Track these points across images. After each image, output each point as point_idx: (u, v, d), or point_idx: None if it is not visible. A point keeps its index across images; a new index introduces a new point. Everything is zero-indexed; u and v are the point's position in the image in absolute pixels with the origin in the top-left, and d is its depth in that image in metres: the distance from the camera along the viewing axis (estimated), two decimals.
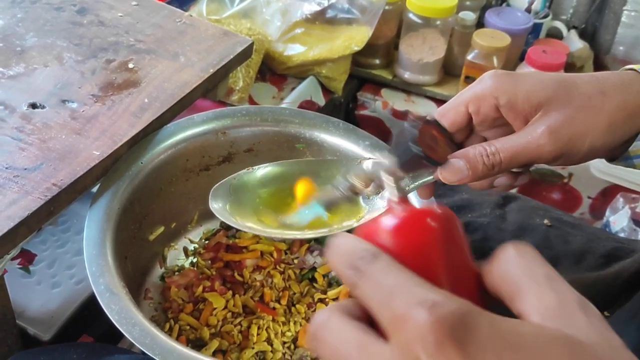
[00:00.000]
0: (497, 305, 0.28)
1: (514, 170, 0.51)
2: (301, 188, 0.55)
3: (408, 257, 0.29)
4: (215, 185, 0.56)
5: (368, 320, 0.28)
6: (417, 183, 0.51)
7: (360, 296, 0.27)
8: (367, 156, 0.66)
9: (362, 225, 0.31)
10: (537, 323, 0.26)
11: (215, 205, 0.54)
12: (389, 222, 0.30)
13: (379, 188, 0.53)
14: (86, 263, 0.53)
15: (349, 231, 0.51)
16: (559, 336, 0.25)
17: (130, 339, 0.48)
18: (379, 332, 0.27)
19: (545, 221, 0.68)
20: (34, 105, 0.64)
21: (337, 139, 0.68)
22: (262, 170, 0.58)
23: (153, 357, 0.47)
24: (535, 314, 0.26)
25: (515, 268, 0.28)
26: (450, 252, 0.30)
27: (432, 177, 0.50)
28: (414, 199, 0.58)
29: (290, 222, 0.56)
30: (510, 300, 0.27)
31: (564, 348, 0.24)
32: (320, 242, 0.72)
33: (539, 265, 0.28)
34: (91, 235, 0.55)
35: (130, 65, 0.71)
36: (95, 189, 0.60)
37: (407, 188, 0.51)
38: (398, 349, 0.25)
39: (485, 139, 0.51)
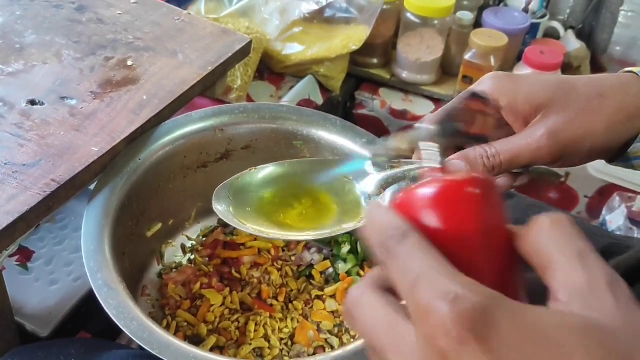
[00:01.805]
0: (531, 271, 0.29)
1: (514, 171, 0.51)
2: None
3: (445, 228, 0.29)
4: (218, 187, 0.56)
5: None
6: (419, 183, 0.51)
7: (389, 276, 0.28)
8: (366, 155, 0.66)
9: (400, 194, 0.31)
10: (561, 311, 0.26)
11: (219, 207, 0.55)
12: (428, 190, 0.30)
13: (381, 189, 0.53)
14: (84, 258, 0.53)
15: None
16: (581, 327, 0.25)
17: (128, 334, 0.48)
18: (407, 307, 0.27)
19: None
20: (33, 102, 0.64)
21: (334, 136, 0.68)
22: (264, 171, 0.58)
23: (151, 351, 0.48)
24: (562, 292, 0.26)
25: (548, 240, 0.28)
26: (489, 218, 0.30)
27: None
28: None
29: (296, 219, 0.56)
30: (541, 272, 0.28)
31: (586, 339, 0.24)
32: (319, 239, 0.72)
33: (572, 239, 0.27)
34: (89, 231, 0.55)
35: (129, 63, 0.71)
36: (93, 186, 0.60)
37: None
38: (422, 339, 0.26)
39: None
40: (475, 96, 0.40)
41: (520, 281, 0.31)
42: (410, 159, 0.49)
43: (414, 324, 0.27)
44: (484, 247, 0.29)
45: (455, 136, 0.41)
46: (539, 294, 0.28)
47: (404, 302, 0.28)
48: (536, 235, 0.28)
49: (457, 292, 0.25)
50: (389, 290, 0.29)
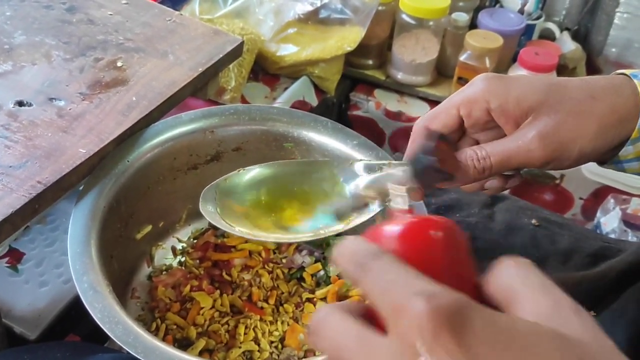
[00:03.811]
0: None
1: (505, 173, 0.51)
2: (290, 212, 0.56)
3: (411, 264, 0.29)
4: (205, 188, 0.56)
5: (368, 320, 0.29)
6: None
7: (362, 290, 0.28)
8: (357, 156, 0.66)
9: (368, 231, 0.32)
10: (535, 322, 0.26)
11: (206, 209, 0.54)
12: (394, 228, 0.31)
13: (370, 191, 0.53)
14: (70, 261, 0.52)
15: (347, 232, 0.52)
16: (553, 333, 0.25)
17: (113, 337, 0.48)
18: (378, 330, 0.27)
19: (533, 221, 0.68)
20: (20, 103, 0.64)
21: (325, 138, 0.68)
22: (252, 172, 0.57)
23: (136, 355, 0.47)
24: (530, 318, 0.26)
25: (512, 276, 0.28)
26: (452, 262, 0.30)
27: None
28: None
29: (285, 220, 0.56)
30: (506, 307, 0.28)
31: (558, 343, 0.25)
32: (310, 242, 0.72)
33: (534, 274, 0.28)
34: (75, 234, 0.55)
35: (119, 64, 0.71)
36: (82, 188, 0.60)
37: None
38: (396, 339, 0.25)
39: (476, 142, 0.51)
40: (442, 138, 0.41)
41: None
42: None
43: (388, 326, 0.26)
44: (447, 283, 0.29)
45: (427, 172, 0.42)
46: None
47: (370, 326, 0.28)
48: (500, 273, 0.29)
49: (433, 290, 0.25)
50: (356, 314, 0.29)
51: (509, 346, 0.24)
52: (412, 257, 0.30)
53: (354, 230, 0.52)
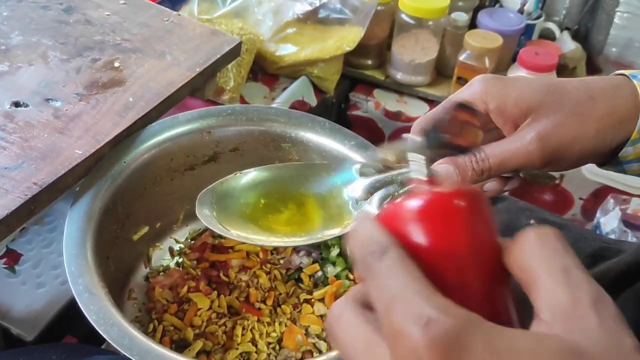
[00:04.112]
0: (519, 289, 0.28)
1: (504, 175, 0.51)
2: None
3: (431, 244, 0.28)
4: (202, 192, 0.56)
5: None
6: (407, 188, 0.50)
7: (368, 294, 0.28)
8: (354, 157, 0.66)
9: (389, 206, 0.31)
10: (539, 334, 0.26)
11: (202, 212, 0.54)
12: (415, 204, 0.29)
13: (369, 194, 0.53)
14: (65, 263, 0.52)
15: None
16: (558, 352, 0.24)
17: (108, 340, 0.48)
18: None
19: (532, 221, 0.67)
20: (17, 104, 0.63)
21: (323, 138, 0.68)
22: (249, 175, 0.57)
23: (131, 358, 0.47)
24: (546, 311, 0.26)
25: (533, 256, 0.27)
26: (477, 232, 0.29)
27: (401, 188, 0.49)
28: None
29: (283, 223, 0.55)
30: (526, 289, 0.27)
31: None
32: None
33: (557, 255, 0.27)
34: (71, 235, 0.55)
35: (116, 64, 0.70)
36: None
37: (396, 193, 0.51)
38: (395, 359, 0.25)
39: None
40: (461, 107, 0.39)
41: (509, 296, 0.30)
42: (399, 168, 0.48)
43: (387, 345, 0.26)
44: (472, 263, 0.29)
45: (441, 147, 0.40)
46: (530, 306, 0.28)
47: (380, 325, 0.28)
48: (521, 250, 0.28)
49: (430, 316, 0.25)
50: (371, 307, 0.28)
51: None
52: (432, 235, 0.29)
53: None
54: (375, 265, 0.27)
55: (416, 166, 0.37)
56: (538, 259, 0.27)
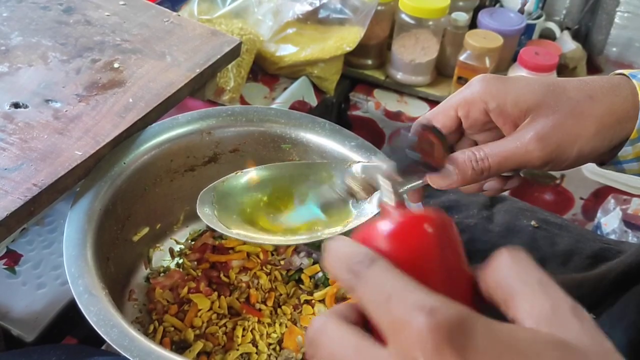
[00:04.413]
0: (491, 310, 0.29)
1: (504, 174, 0.51)
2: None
3: (404, 262, 0.29)
4: (202, 191, 0.56)
5: (364, 325, 0.29)
6: (406, 187, 0.50)
7: (358, 300, 0.28)
8: (355, 158, 0.66)
9: (358, 230, 0.32)
10: (533, 329, 0.26)
11: (203, 211, 0.54)
12: (385, 226, 0.30)
13: (369, 193, 0.53)
14: (65, 264, 0.52)
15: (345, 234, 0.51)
16: (553, 340, 0.25)
17: (109, 341, 0.48)
18: (375, 337, 0.27)
19: (533, 222, 0.67)
20: (16, 105, 0.63)
21: (323, 139, 0.68)
22: (250, 174, 0.57)
23: (131, 359, 0.47)
24: (528, 320, 0.26)
25: (509, 274, 0.28)
26: (446, 257, 0.30)
27: (421, 181, 0.49)
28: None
29: (284, 223, 0.55)
30: (504, 305, 0.28)
31: (558, 352, 0.25)
32: (309, 243, 0.72)
33: (532, 271, 0.28)
34: (71, 236, 0.55)
35: (116, 65, 0.70)
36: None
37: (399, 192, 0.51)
38: (396, 353, 0.25)
39: (475, 143, 0.51)
40: (426, 128, 0.40)
41: None
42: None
43: (387, 340, 0.26)
44: (444, 282, 0.29)
45: (411, 167, 0.41)
46: None
47: (368, 334, 0.28)
48: (497, 269, 0.29)
49: (433, 304, 0.25)
50: (353, 323, 0.28)
51: (511, 358, 0.24)
52: (404, 256, 0.29)
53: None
54: (366, 272, 0.28)
55: (386, 191, 0.38)
56: (514, 275, 0.28)
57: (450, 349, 0.24)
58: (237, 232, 0.55)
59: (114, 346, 0.47)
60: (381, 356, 0.26)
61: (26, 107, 0.63)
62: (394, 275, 0.27)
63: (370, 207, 0.52)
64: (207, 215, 0.55)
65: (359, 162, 0.58)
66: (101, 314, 0.49)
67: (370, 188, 0.53)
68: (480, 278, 0.29)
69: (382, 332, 0.27)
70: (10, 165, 0.56)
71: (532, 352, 0.24)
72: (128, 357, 0.47)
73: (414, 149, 0.39)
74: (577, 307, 0.27)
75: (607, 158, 0.50)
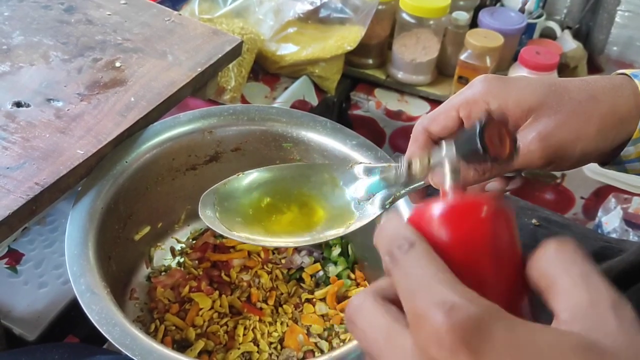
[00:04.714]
0: (538, 298, 0.29)
1: (506, 174, 0.51)
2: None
3: (450, 246, 0.29)
4: (204, 193, 0.56)
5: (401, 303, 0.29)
6: (408, 188, 0.50)
7: (394, 285, 0.28)
8: (356, 157, 0.66)
9: (416, 208, 0.32)
10: (559, 329, 0.26)
11: (205, 214, 0.54)
12: (438, 208, 0.30)
13: (370, 195, 0.53)
14: (67, 263, 0.52)
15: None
16: (577, 344, 0.25)
17: (110, 340, 0.48)
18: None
19: (534, 221, 0.67)
20: (18, 104, 0.63)
21: (324, 138, 0.68)
22: (251, 176, 0.57)
23: (133, 357, 0.47)
24: (565, 312, 0.26)
25: (553, 263, 0.28)
26: (498, 243, 0.30)
27: (423, 182, 0.49)
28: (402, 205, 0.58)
29: (285, 224, 0.55)
30: (545, 295, 0.28)
31: (580, 357, 0.24)
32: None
33: (577, 262, 0.28)
34: (73, 235, 0.55)
35: (117, 64, 0.70)
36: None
37: (397, 194, 0.51)
38: (416, 346, 0.26)
39: None
40: (491, 119, 0.40)
41: (527, 304, 0.31)
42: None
43: (410, 331, 0.26)
44: (492, 269, 0.29)
45: (476, 156, 0.40)
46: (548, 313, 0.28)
47: (401, 314, 0.28)
48: (541, 258, 0.28)
49: (454, 302, 0.25)
50: (391, 301, 0.29)
51: None
52: (451, 240, 0.29)
53: (354, 234, 0.52)
54: (403, 257, 0.28)
55: (446, 174, 0.38)
56: (557, 265, 0.28)
57: (466, 350, 0.24)
58: (239, 234, 0.55)
59: (116, 345, 0.47)
60: (406, 347, 0.26)
61: (28, 106, 0.63)
62: (427, 263, 0.27)
63: (372, 209, 0.52)
64: (209, 218, 0.55)
65: (360, 162, 0.58)
66: (103, 312, 0.49)
67: (367, 191, 0.53)
68: (527, 266, 0.29)
69: (408, 320, 0.27)
70: (12, 164, 0.57)
71: (551, 356, 0.24)
72: (130, 355, 0.47)
73: (482, 138, 0.39)
74: (620, 305, 0.26)
75: (609, 158, 0.50)
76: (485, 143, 0.38)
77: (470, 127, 0.39)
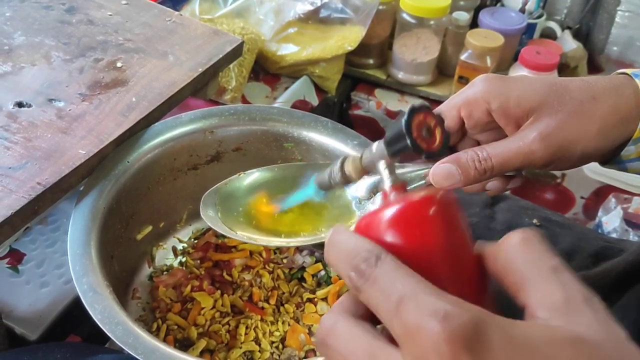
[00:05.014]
0: (499, 289, 0.28)
1: (507, 174, 0.51)
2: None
3: (408, 252, 0.28)
4: (206, 193, 0.56)
5: (372, 318, 0.28)
6: (406, 172, 0.50)
7: (366, 301, 0.27)
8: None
9: (361, 219, 0.31)
10: (546, 325, 0.26)
11: (206, 213, 0.54)
12: (386, 214, 0.29)
13: (372, 194, 0.53)
14: (70, 262, 0.52)
15: None
16: (569, 337, 0.25)
17: (113, 339, 0.48)
18: (385, 333, 0.27)
19: (534, 221, 0.67)
20: (20, 104, 0.63)
21: (325, 138, 0.68)
22: (253, 176, 0.57)
23: (136, 356, 0.47)
24: (540, 310, 0.26)
25: (520, 258, 0.27)
26: (452, 240, 0.29)
27: (424, 181, 0.50)
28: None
29: (281, 205, 0.55)
30: (514, 291, 0.27)
31: (574, 350, 0.24)
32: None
33: (544, 256, 0.27)
34: (75, 235, 0.55)
35: (119, 64, 0.71)
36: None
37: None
38: (411, 358, 0.25)
39: (478, 143, 0.51)
40: (416, 110, 0.39)
41: (491, 300, 0.30)
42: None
43: (400, 345, 0.26)
44: (454, 268, 0.29)
45: (406, 152, 0.39)
46: (508, 312, 0.27)
47: (379, 327, 0.27)
48: (506, 253, 0.28)
49: (446, 310, 0.24)
50: (362, 318, 0.28)
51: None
52: (408, 245, 0.28)
53: None
54: (373, 271, 0.27)
55: (382, 177, 0.37)
56: (525, 261, 0.27)
57: (467, 356, 0.24)
58: (241, 234, 0.55)
59: (119, 343, 0.48)
60: (395, 359, 0.26)
61: (30, 106, 0.63)
62: (402, 275, 0.26)
63: (373, 208, 0.53)
64: (211, 218, 0.55)
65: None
66: (106, 311, 0.50)
67: (368, 172, 0.52)
68: (488, 259, 0.28)
69: (394, 335, 0.26)
70: (14, 164, 0.57)
71: (549, 353, 0.24)
72: (133, 354, 0.47)
73: (409, 132, 0.38)
74: (591, 297, 0.26)
75: (610, 157, 0.50)
76: (414, 137, 0.37)
77: (396, 123, 0.39)
